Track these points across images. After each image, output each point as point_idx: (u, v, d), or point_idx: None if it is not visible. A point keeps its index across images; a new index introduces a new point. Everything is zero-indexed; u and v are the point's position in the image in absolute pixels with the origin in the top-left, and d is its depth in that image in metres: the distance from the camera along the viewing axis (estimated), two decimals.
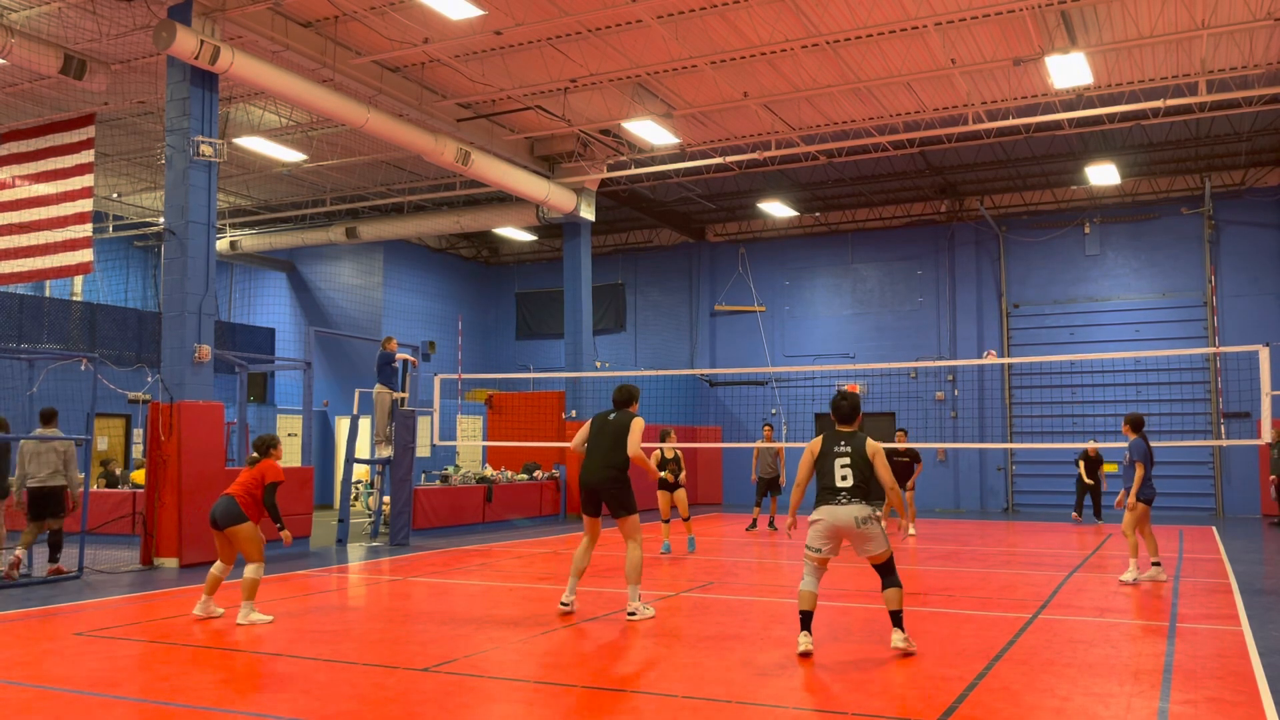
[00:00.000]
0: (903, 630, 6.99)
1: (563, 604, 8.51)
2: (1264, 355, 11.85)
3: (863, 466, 7.02)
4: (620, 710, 5.60)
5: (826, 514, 6.96)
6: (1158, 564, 10.64)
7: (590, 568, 9.63)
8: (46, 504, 11.04)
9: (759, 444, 17.37)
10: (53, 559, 11.17)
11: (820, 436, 7.22)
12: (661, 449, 13.85)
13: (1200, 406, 21.32)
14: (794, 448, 22.85)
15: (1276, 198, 21.20)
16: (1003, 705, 5.63)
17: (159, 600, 9.75)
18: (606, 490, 8.29)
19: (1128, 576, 10.47)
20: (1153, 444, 10.71)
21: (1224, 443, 17.60)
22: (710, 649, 7.17)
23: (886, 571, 7.05)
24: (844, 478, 6.98)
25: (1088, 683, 6.13)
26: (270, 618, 8.32)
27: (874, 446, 7.08)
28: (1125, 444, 10.79)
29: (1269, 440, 12.02)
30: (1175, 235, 21.95)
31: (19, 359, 13.87)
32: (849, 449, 7.04)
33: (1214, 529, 17.40)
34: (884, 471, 7.05)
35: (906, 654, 6.91)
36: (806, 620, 6.99)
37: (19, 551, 10.79)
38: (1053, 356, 17.74)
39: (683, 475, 13.98)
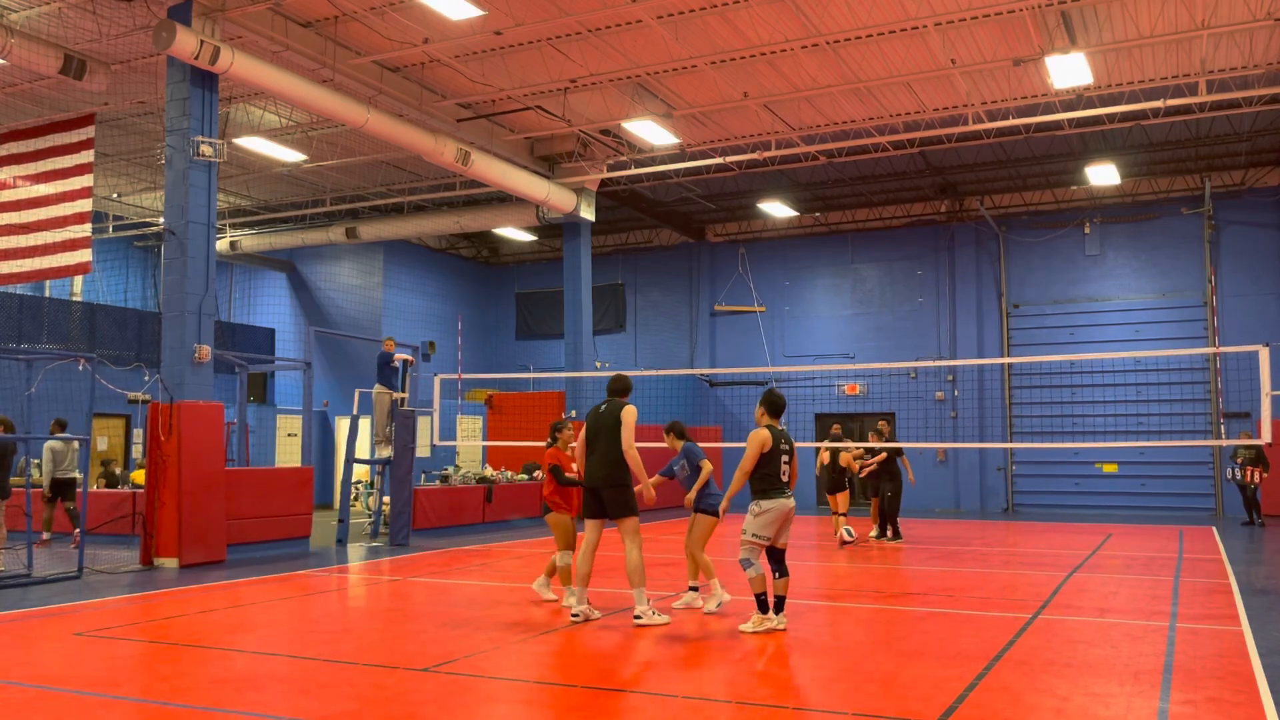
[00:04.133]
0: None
1: (573, 615, 8.16)
2: (1264, 355, 11.85)
3: (792, 462, 7.91)
4: (620, 710, 5.59)
5: (778, 505, 7.67)
6: (695, 588, 9.11)
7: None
8: (64, 489, 14.14)
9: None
10: (76, 526, 13.55)
11: (767, 431, 7.75)
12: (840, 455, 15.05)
13: (1200, 406, 21.31)
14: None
15: (1276, 198, 21.19)
16: (1003, 705, 5.63)
17: (159, 600, 9.75)
18: (605, 490, 7.95)
19: (712, 605, 8.70)
20: (1153, 444, 10.67)
21: (1224, 442, 17.57)
22: (710, 649, 7.16)
23: (782, 560, 7.84)
24: (785, 473, 7.78)
25: (1088, 683, 6.13)
26: (599, 615, 8.61)
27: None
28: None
29: (1268, 441, 11.97)
30: (1175, 235, 21.95)
31: (17, 359, 13.87)
32: (789, 448, 7.86)
33: (1214, 529, 17.39)
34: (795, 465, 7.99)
35: (775, 630, 7.62)
36: (766, 602, 7.69)
37: (46, 520, 14.24)
38: (1053, 356, 17.72)
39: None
